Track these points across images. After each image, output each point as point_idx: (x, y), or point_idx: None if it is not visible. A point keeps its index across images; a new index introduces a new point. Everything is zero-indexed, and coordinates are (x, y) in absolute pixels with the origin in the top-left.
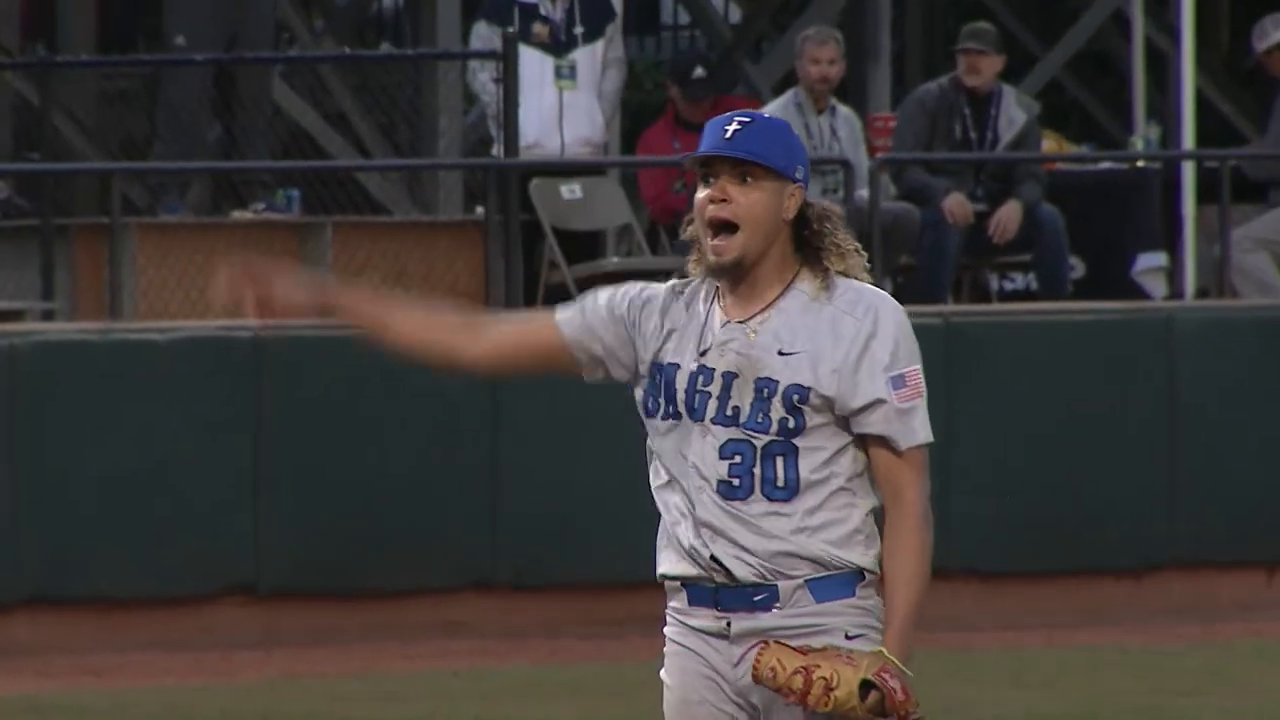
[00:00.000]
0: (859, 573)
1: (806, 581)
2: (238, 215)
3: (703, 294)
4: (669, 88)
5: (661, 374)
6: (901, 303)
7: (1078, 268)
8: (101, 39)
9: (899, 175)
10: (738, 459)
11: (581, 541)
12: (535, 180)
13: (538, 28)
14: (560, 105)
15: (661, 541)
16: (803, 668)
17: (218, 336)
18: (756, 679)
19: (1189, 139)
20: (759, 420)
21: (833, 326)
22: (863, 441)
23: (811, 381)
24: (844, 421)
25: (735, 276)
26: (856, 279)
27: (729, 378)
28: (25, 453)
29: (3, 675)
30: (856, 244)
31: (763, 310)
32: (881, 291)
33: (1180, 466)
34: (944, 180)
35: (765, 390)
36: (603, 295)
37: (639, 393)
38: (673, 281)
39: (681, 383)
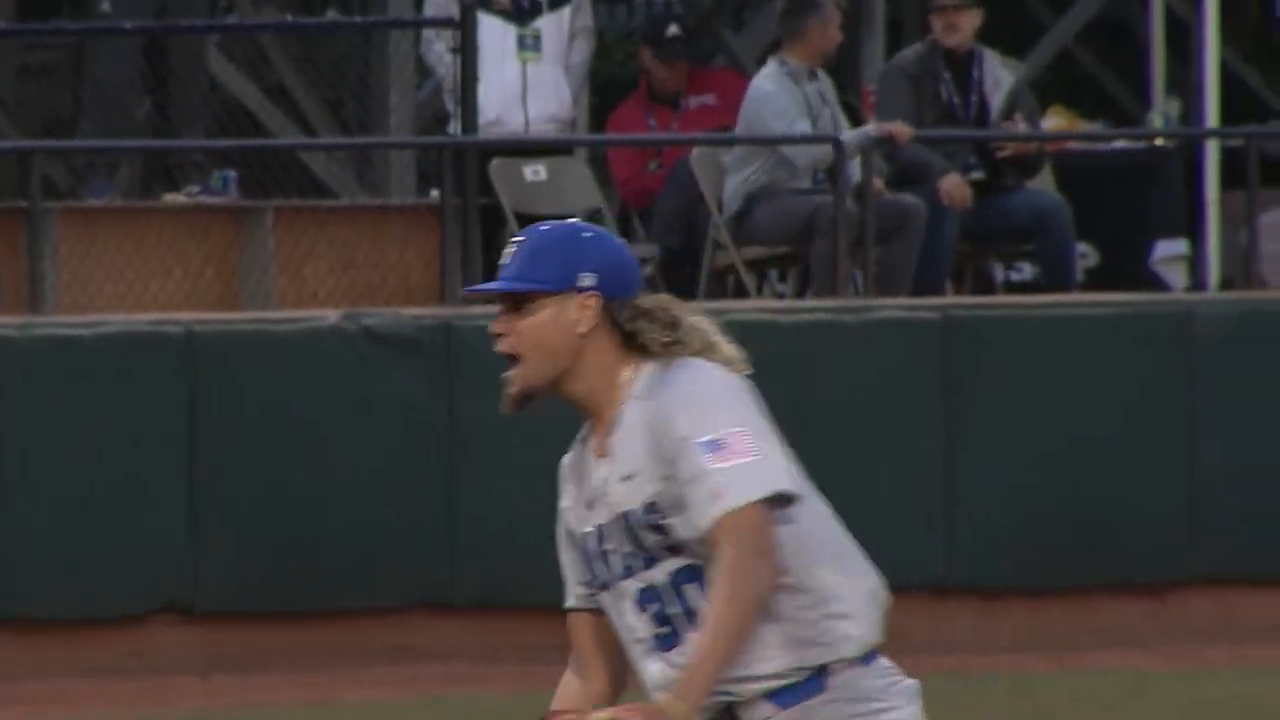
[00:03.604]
0: (819, 670)
1: (766, 696)
2: (170, 199)
3: (584, 434)
4: (641, 56)
5: (580, 546)
6: (896, 294)
7: (1090, 256)
8: (21, 7)
9: (891, 152)
10: (655, 606)
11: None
12: (496, 160)
13: None
14: (523, 79)
15: None
16: None
17: (148, 332)
18: None
19: (1212, 116)
20: (643, 558)
21: (648, 424)
22: None
23: (654, 495)
24: None
25: (579, 407)
26: (705, 356)
27: (609, 528)
28: None
29: None
30: (692, 321)
31: (609, 435)
32: (691, 361)
33: (1202, 474)
34: (940, 158)
35: (627, 522)
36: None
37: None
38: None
39: (592, 549)
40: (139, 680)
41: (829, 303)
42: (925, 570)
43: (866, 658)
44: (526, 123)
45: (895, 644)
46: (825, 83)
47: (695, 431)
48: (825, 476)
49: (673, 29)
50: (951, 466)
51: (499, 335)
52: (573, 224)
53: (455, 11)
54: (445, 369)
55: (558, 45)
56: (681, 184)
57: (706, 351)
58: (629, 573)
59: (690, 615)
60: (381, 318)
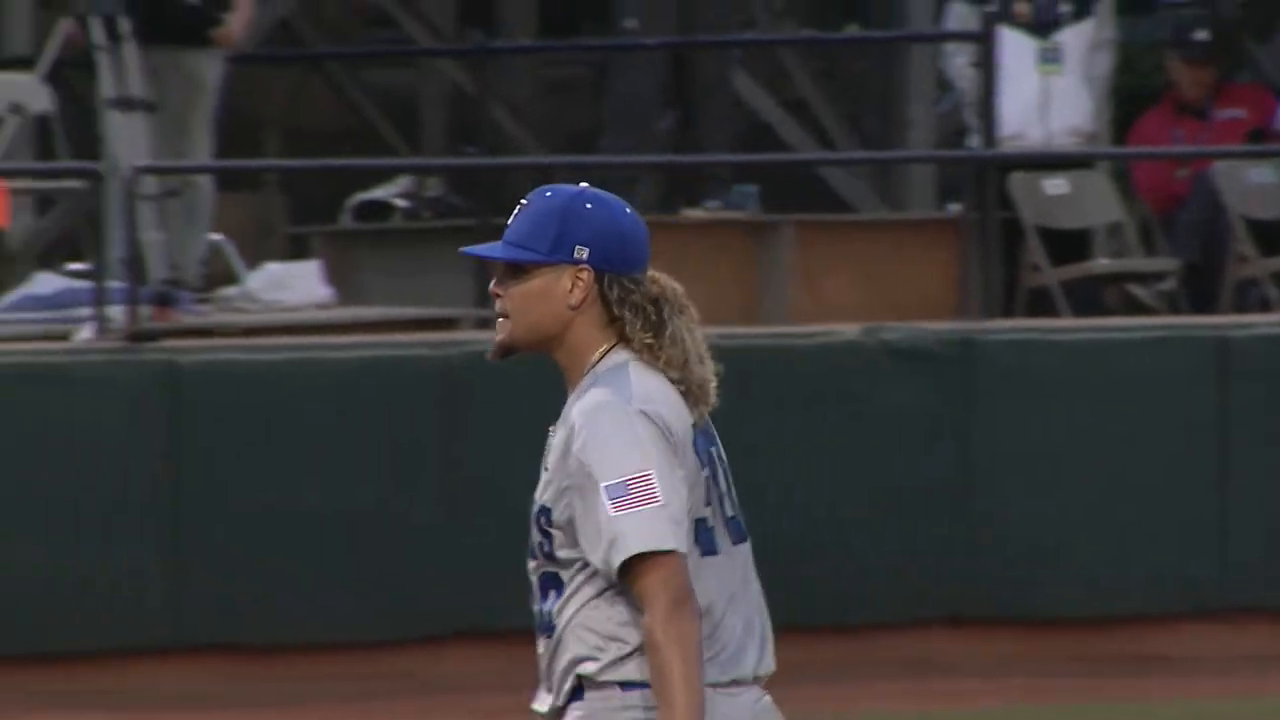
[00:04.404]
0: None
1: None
2: (689, 213)
3: None
4: (1168, 64)
5: None
6: None
7: None
8: (544, 23)
9: None
10: (531, 597)
11: (1063, 572)
12: (1016, 174)
13: (1019, 7)
14: (1044, 92)
15: None
16: None
17: None
18: None
19: None
20: (531, 547)
21: (567, 424)
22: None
23: (550, 500)
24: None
25: (562, 369)
26: (685, 375)
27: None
28: (459, 470)
29: (436, 712)
30: (674, 331)
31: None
32: (630, 374)
33: None
34: None
35: (534, 510)
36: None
37: None
38: None
39: None
40: None
41: None
42: None
43: (624, 686)
44: (1047, 136)
45: None
46: None
47: (600, 470)
48: None
49: (1200, 33)
50: None
51: (496, 295)
52: (579, 191)
53: (976, 25)
54: (964, 383)
55: (1079, 58)
56: (1205, 196)
57: (674, 367)
58: (530, 555)
59: (541, 617)
60: (900, 332)
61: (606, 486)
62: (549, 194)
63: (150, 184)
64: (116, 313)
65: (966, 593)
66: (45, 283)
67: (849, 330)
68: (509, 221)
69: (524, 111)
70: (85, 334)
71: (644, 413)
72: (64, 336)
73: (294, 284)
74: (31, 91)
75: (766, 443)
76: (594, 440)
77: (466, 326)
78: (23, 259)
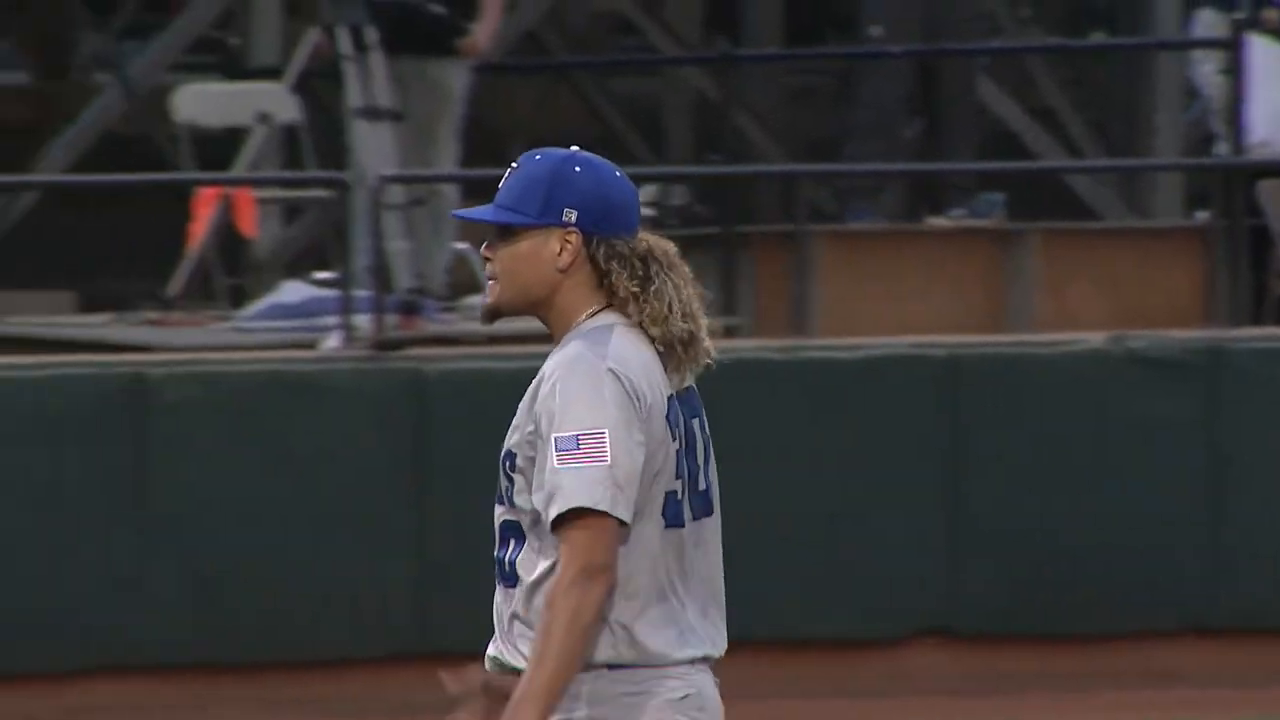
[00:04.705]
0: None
1: None
2: (934, 222)
3: None
4: None
5: None
6: None
7: None
8: (788, 31)
9: None
10: (495, 543)
11: None
12: (1264, 181)
13: (1268, 13)
14: None
15: None
16: None
17: (910, 355)
18: None
19: None
20: (498, 494)
21: (539, 378)
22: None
23: (514, 446)
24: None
25: (550, 332)
26: (665, 330)
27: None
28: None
29: None
30: (660, 287)
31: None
32: (608, 333)
33: None
34: None
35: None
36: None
37: None
38: None
39: None
40: (896, 702)
41: None
42: None
43: (611, 666)
44: None
45: None
46: None
47: (558, 421)
48: None
49: None
50: None
51: (487, 259)
52: (569, 154)
53: (1223, 31)
54: (1211, 392)
55: None
56: None
57: (655, 323)
58: (498, 501)
59: (500, 565)
60: (1147, 340)
61: (558, 438)
62: (538, 157)
63: (396, 193)
64: (363, 321)
65: (1215, 602)
66: (292, 291)
67: (1095, 338)
68: (499, 184)
69: (768, 119)
70: (332, 342)
71: (613, 371)
72: (311, 345)
73: None
74: (279, 101)
75: (1010, 450)
76: (559, 391)
77: (713, 335)
78: (270, 268)
